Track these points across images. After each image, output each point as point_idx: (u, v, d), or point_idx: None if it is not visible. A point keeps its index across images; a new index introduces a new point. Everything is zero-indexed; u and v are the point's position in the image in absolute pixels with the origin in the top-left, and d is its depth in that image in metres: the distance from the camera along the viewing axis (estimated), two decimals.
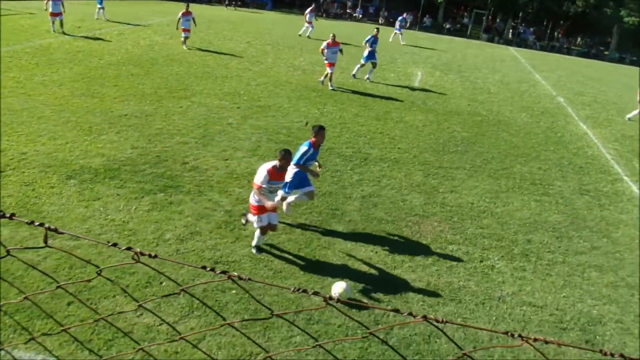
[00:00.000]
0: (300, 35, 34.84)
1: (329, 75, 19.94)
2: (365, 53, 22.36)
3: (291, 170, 9.25)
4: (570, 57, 51.91)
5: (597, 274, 9.59)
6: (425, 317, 1.61)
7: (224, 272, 1.74)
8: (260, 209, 8.17)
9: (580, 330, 7.91)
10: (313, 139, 9.36)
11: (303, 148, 9.35)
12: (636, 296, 9.12)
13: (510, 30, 57.42)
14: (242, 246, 8.63)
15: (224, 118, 14.90)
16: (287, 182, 9.31)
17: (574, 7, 57.01)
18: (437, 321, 1.61)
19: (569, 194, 13.19)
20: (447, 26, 56.10)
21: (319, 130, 9.39)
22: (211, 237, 8.79)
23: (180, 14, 24.64)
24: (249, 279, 1.74)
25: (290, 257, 8.54)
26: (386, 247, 9.28)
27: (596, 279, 9.43)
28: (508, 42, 54.35)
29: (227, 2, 51.61)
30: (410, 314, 1.65)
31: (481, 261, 9.34)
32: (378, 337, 1.80)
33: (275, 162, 8.11)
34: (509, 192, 12.61)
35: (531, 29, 59.22)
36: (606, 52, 56.03)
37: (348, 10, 56.81)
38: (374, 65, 22.52)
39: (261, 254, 8.56)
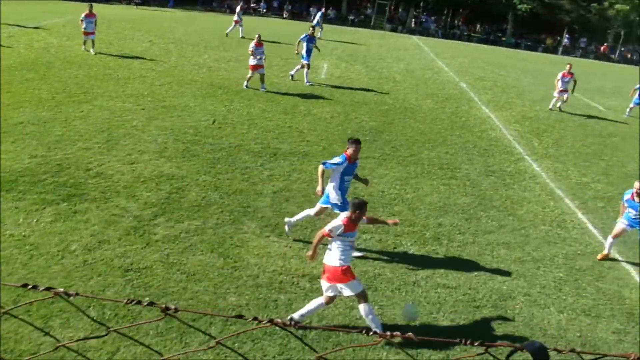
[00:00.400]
0: (233, 35, 33.23)
1: (249, 77, 19.35)
2: (304, 52, 21.47)
3: (330, 185, 8.93)
4: (470, 44, 53.76)
5: (506, 251, 9.96)
6: (271, 321, 1.56)
7: (48, 289, 1.59)
8: (350, 271, 7.08)
9: (493, 307, 8.19)
10: (348, 153, 8.83)
11: (336, 158, 8.88)
12: (541, 269, 9.55)
13: (413, 20, 58.77)
14: (153, 251, 8.37)
15: (128, 121, 14.40)
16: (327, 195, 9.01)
17: None
18: (284, 324, 1.57)
19: (476, 175, 13.64)
20: (351, 17, 56.75)
21: (352, 144, 8.87)
22: (120, 245, 8.47)
23: (82, 15, 22.82)
24: (77, 293, 1.61)
25: (204, 258, 8.36)
26: (300, 241, 9.27)
27: (505, 256, 9.79)
28: (411, 31, 55.63)
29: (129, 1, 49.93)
30: (255, 318, 1.59)
31: (394, 248, 9.50)
32: (225, 346, 1.70)
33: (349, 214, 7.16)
34: (418, 178, 12.89)
35: (432, 18, 60.86)
36: (503, 38, 58.46)
37: (252, 5, 56.33)
38: (303, 66, 21.77)
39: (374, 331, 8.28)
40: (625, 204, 10.16)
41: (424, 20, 59.69)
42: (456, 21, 63.45)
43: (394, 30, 54.92)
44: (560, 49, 57.16)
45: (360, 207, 7.10)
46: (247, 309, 7.28)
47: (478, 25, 63.64)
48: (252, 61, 19.37)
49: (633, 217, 10.12)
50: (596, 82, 35.53)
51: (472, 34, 59.91)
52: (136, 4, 49.12)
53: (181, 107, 16.13)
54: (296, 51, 22.00)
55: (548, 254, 10.21)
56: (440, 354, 6.99)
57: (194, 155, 12.50)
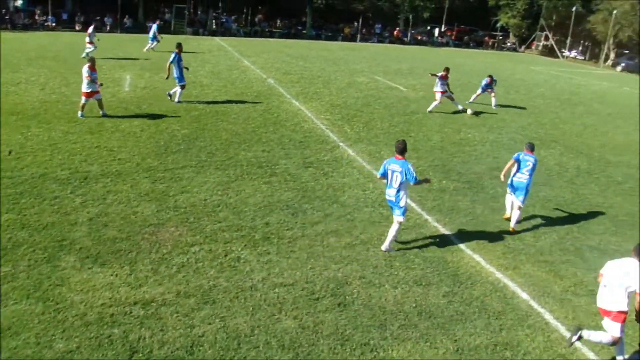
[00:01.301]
0: (84, 57, 29.36)
1: (83, 104, 17.35)
2: (176, 74, 19.99)
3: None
4: (273, 40, 54.57)
5: (335, 239, 10.18)
6: None
7: None
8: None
9: (332, 296, 8.32)
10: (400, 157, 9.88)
11: (412, 167, 9.83)
12: (371, 250, 9.90)
13: (214, 21, 58.37)
14: None
15: None
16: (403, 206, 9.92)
17: None
18: None
19: (295, 169, 13.80)
20: (150, 24, 54.94)
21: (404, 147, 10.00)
22: None
23: None
24: None
25: (20, 307, 7.45)
26: (126, 267, 8.69)
27: (334, 243, 10.00)
28: (213, 33, 55.17)
29: None
30: None
31: (226, 255, 9.28)
32: None
33: None
34: (238, 181, 12.73)
35: (233, 17, 60.92)
36: (304, 31, 60.05)
37: (37, 19, 52.14)
38: (183, 87, 20.39)
39: None
40: None
41: (224, 20, 59.52)
42: (256, 18, 64.08)
43: (195, 33, 54.03)
44: (358, 36, 60.06)
45: None
46: (79, 352, 6.65)
47: (278, 21, 64.81)
48: (85, 88, 17.21)
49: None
50: (394, 65, 37.87)
51: (274, 30, 60.79)
52: None
53: None
54: (166, 76, 20.35)
55: (375, 234, 10.61)
56: None
57: None
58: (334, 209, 11.62)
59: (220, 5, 58.71)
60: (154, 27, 36.52)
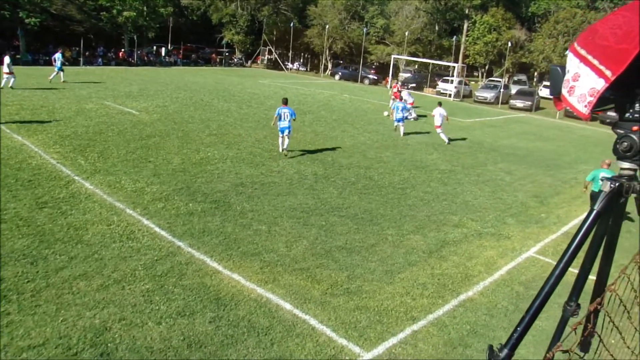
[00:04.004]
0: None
1: None
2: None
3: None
4: None
5: (85, 283, 9.42)
6: None
7: None
8: None
9: (92, 347, 7.63)
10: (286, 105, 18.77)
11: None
12: (127, 288, 9.40)
13: None
14: None
15: None
16: None
17: None
18: None
19: (27, 212, 12.40)
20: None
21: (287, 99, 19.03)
22: None
23: None
24: None
25: None
26: None
27: (85, 288, 9.25)
28: None
29: None
30: None
31: None
32: None
33: None
34: None
35: None
36: (18, 56, 54.96)
37: None
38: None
39: None
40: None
41: None
42: None
43: None
44: (81, 59, 56.82)
45: None
46: None
47: None
48: None
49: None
50: (124, 88, 36.57)
51: None
52: None
53: None
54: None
55: (128, 270, 10.06)
56: None
57: None
58: (78, 250, 10.71)
59: None
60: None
